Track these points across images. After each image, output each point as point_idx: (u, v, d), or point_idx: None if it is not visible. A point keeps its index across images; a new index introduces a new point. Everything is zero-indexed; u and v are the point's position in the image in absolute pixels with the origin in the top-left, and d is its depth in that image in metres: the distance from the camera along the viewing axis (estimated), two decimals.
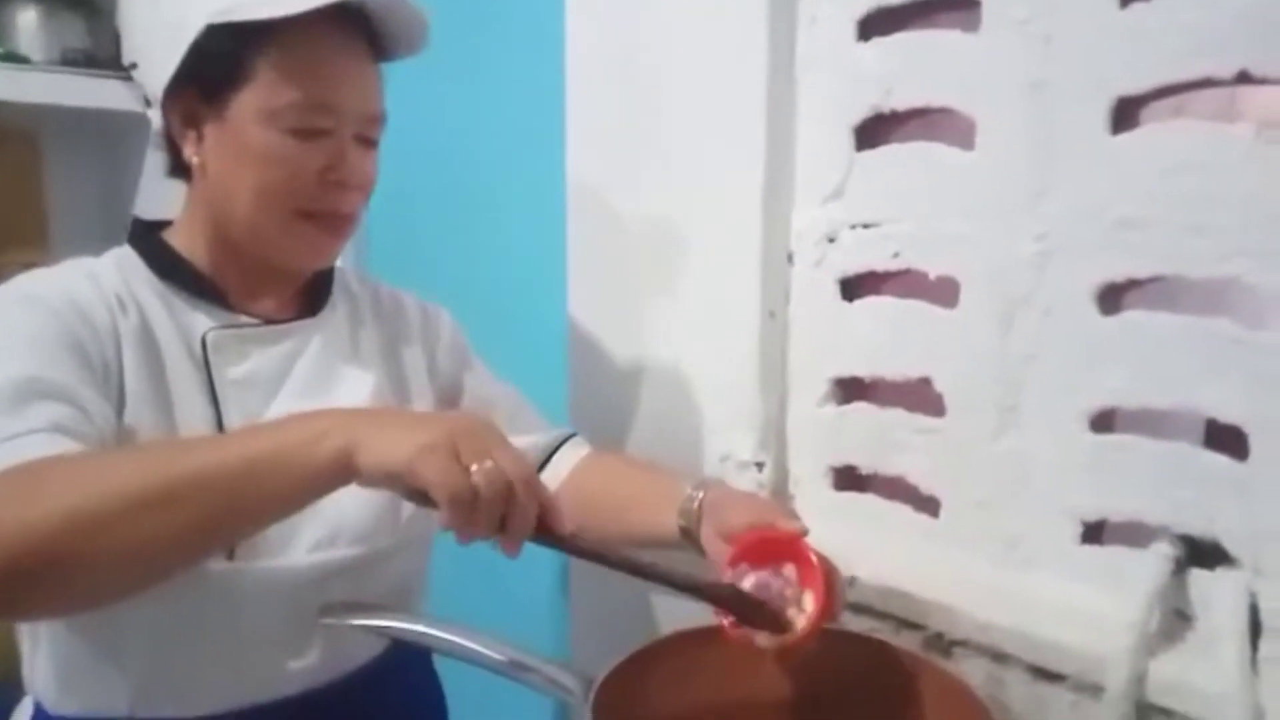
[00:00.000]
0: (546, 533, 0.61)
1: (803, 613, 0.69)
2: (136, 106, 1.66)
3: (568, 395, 1.08)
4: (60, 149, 1.86)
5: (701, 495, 0.76)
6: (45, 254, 1.81)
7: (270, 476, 0.57)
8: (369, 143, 0.76)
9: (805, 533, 0.70)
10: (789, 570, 0.70)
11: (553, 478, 0.85)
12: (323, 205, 0.74)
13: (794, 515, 0.73)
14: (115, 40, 1.78)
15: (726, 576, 0.71)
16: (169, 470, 0.57)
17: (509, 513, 0.57)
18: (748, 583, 0.70)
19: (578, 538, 0.64)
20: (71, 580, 0.56)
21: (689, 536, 0.76)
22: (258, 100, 0.70)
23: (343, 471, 0.57)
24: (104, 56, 1.65)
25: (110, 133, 1.86)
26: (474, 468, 0.55)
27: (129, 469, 0.57)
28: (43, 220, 1.86)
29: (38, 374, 0.63)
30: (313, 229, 0.74)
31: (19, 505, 0.54)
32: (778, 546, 0.70)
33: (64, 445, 0.60)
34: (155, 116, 0.74)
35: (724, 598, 0.70)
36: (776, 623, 0.69)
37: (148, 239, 0.77)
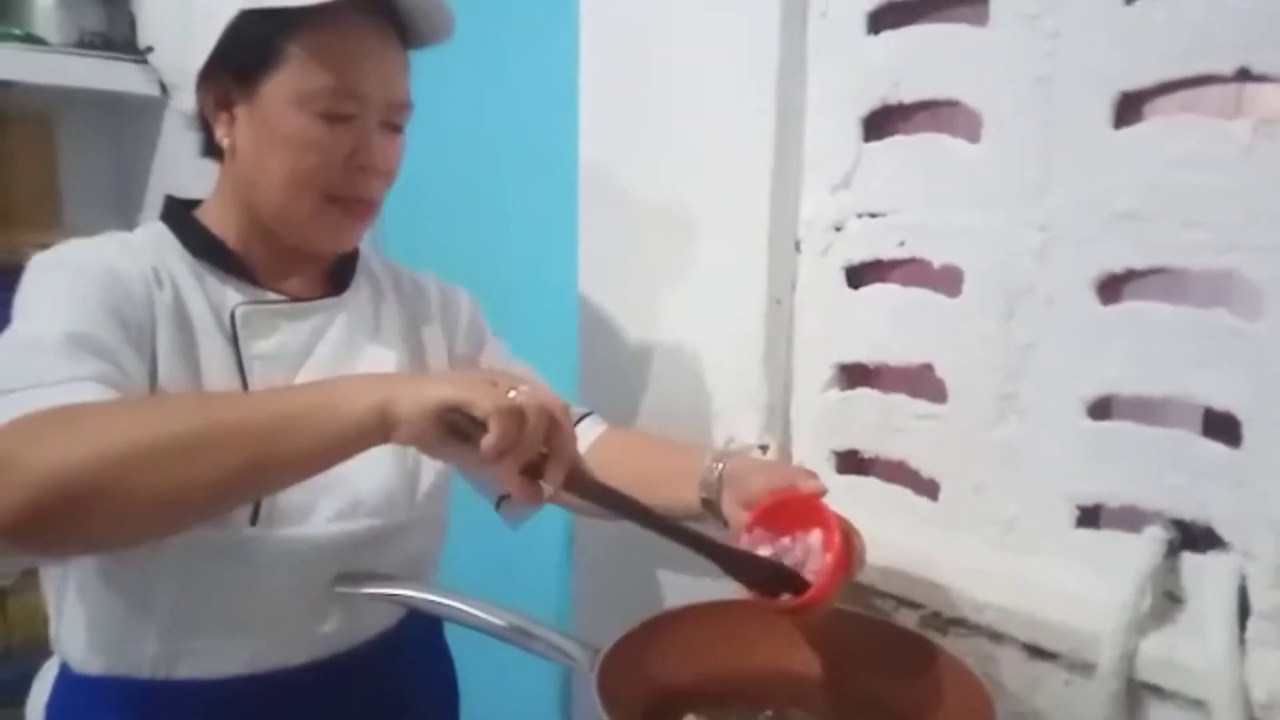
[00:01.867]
0: (579, 477, 0.62)
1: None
2: (151, 90, 1.69)
3: (578, 376, 1.10)
4: (75, 131, 1.88)
5: (721, 466, 0.78)
6: (59, 234, 1.82)
7: (306, 428, 0.59)
8: (395, 129, 0.78)
9: (824, 492, 0.72)
10: (812, 538, 0.71)
11: None
12: (348, 190, 0.76)
13: (812, 476, 0.75)
14: (131, 24, 1.80)
15: (742, 542, 0.72)
16: (206, 417, 0.59)
17: (553, 433, 0.59)
18: (764, 551, 0.72)
19: (602, 486, 0.66)
20: (105, 515, 0.58)
21: (710, 508, 0.78)
22: (289, 84, 0.72)
23: (379, 425, 0.59)
24: (120, 40, 1.67)
25: (124, 115, 1.88)
26: (512, 393, 0.58)
27: (167, 414, 0.60)
28: (57, 201, 1.88)
29: (82, 330, 0.66)
30: (338, 212, 0.77)
31: (63, 441, 0.56)
32: (797, 508, 0.72)
33: (108, 395, 0.62)
34: (184, 99, 0.77)
35: (747, 565, 0.71)
36: (794, 584, 0.70)
37: (181, 216, 0.79)
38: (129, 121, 1.88)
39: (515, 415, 0.57)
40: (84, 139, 1.90)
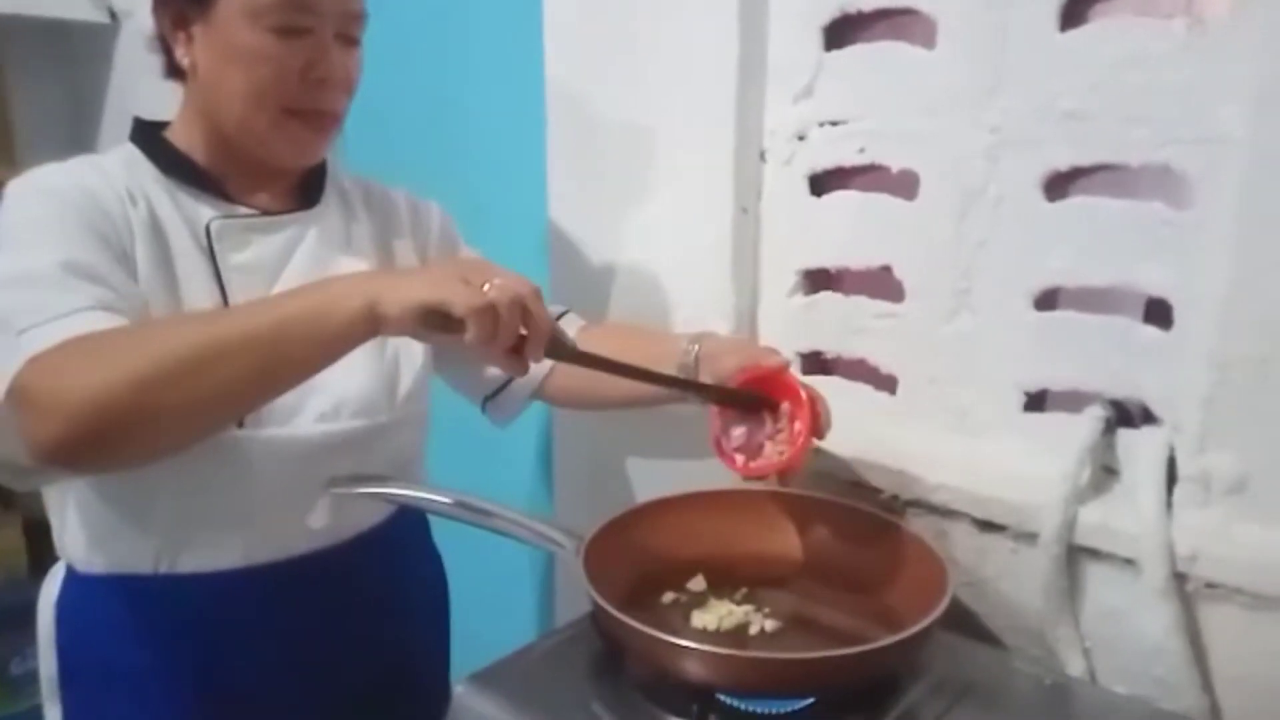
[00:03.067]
0: (559, 345, 0.68)
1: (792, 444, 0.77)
2: (100, 16, 1.65)
3: (549, 290, 1.13)
4: (23, 61, 1.84)
5: (697, 348, 0.83)
6: (12, 166, 1.80)
7: (304, 333, 0.63)
8: (351, 41, 0.79)
9: (788, 364, 0.78)
10: (782, 409, 0.79)
11: None
12: (307, 103, 0.77)
13: (776, 353, 0.81)
14: None
15: (716, 423, 0.79)
16: (215, 332, 0.63)
17: (526, 319, 0.63)
18: (739, 429, 0.79)
19: (580, 350, 0.72)
20: (140, 433, 0.63)
21: (686, 384, 0.83)
22: (241, 1, 0.73)
23: (369, 322, 0.63)
24: None
25: (74, 43, 1.83)
26: (485, 286, 0.62)
27: (180, 333, 0.64)
28: (9, 132, 1.84)
29: (74, 258, 0.68)
30: (298, 125, 0.78)
31: (89, 370, 0.61)
32: (767, 383, 0.79)
33: (112, 321, 0.66)
34: (141, 23, 0.77)
35: (724, 393, 0.79)
36: (773, 408, 0.78)
37: (150, 137, 0.80)
38: (79, 50, 1.84)
39: (489, 311, 0.62)
40: (33, 69, 1.86)
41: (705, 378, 0.82)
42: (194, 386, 0.62)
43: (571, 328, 0.93)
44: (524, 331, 0.65)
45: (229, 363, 0.62)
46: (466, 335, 0.62)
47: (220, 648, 0.79)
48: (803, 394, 0.77)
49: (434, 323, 0.63)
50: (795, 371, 0.87)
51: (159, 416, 0.62)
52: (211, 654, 0.79)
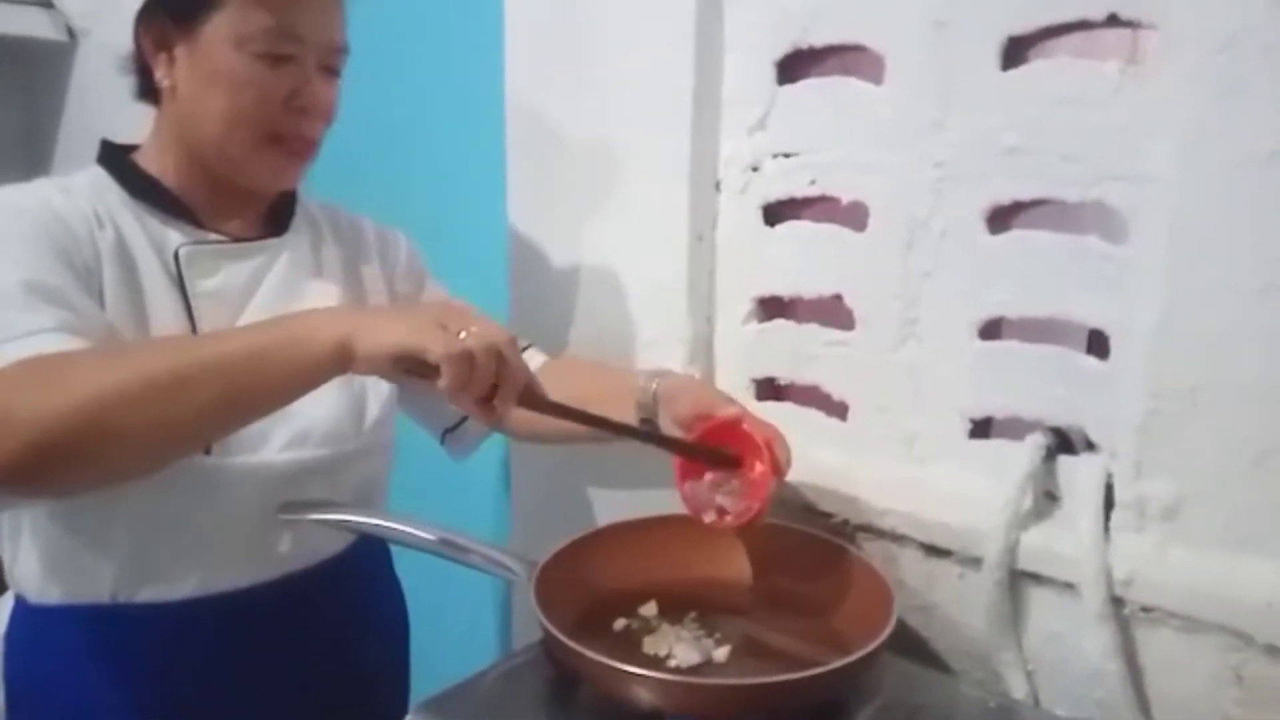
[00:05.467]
0: (531, 396, 0.68)
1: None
2: (59, 35, 1.63)
3: (509, 314, 1.14)
4: None
5: (656, 385, 0.84)
6: None
7: (276, 364, 0.63)
8: (332, 72, 0.80)
9: (742, 415, 0.79)
10: (734, 482, 0.80)
11: None
12: (287, 129, 0.78)
13: (729, 401, 0.82)
14: None
15: (678, 472, 0.81)
16: (181, 358, 0.62)
17: (501, 369, 0.63)
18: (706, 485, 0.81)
19: (553, 400, 0.72)
20: (102, 455, 0.62)
21: (650, 425, 0.85)
22: (229, 24, 0.73)
23: (341, 360, 0.63)
24: None
25: (30, 62, 1.81)
26: (463, 334, 0.62)
27: (145, 357, 0.63)
28: None
29: (36, 278, 0.67)
30: (277, 152, 0.79)
31: (49, 392, 0.59)
32: (725, 432, 0.80)
33: (75, 344, 0.65)
34: (101, 41, 0.77)
35: (688, 448, 0.80)
36: (734, 462, 0.79)
37: (118, 159, 0.80)
38: (36, 68, 1.81)
39: (465, 359, 0.61)
40: None
41: (663, 417, 0.84)
42: (160, 411, 0.61)
43: (534, 362, 0.93)
44: (496, 382, 0.65)
45: (197, 389, 0.62)
46: (440, 382, 0.62)
47: (176, 678, 0.78)
48: (759, 442, 0.77)
49: (408, 367, 0.63)
50: (751, 406, 0.89)
51: (124, 439, 0.61)
52: (166, 684, 0.77)
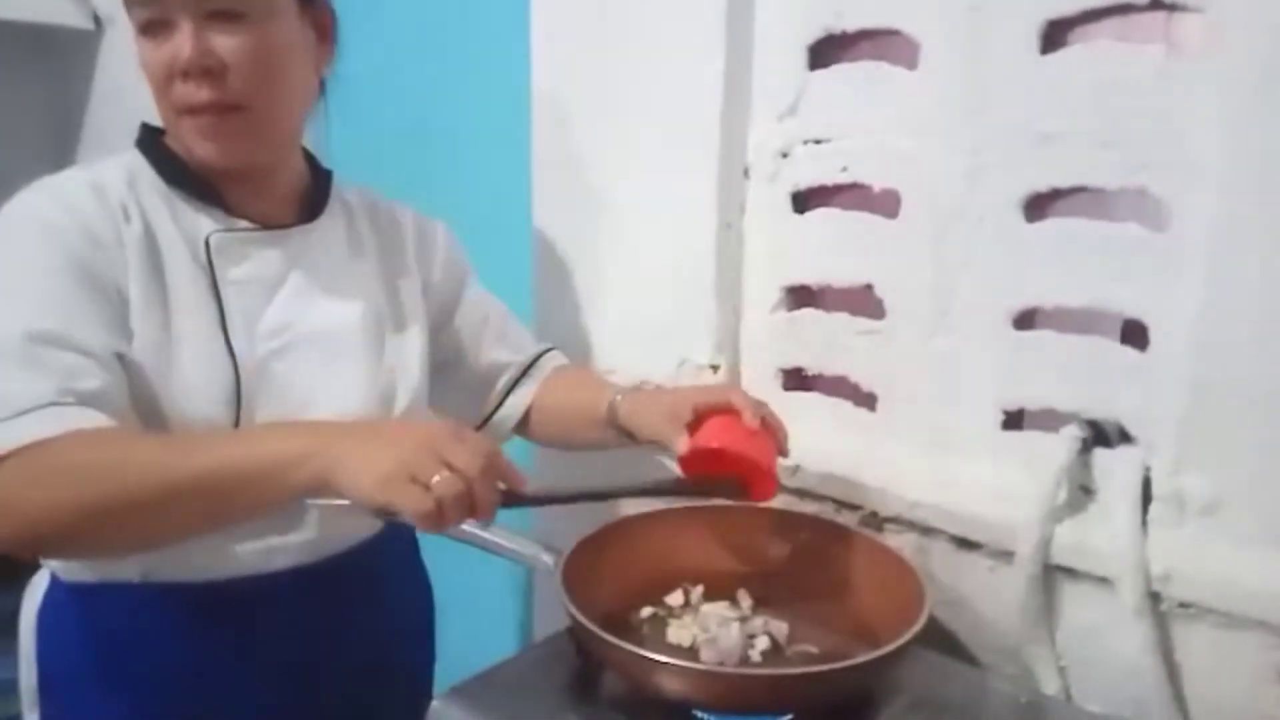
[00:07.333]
0: (512, 498, 0.68)
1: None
2: (84, 22, 1.64)
3: (533, 303, 1.13)
4: (4, 66, 1.82)
5: (619, 398, 0.86)
6: None
7: (255, 491, 0.66)
8: (231, 17, 0.72)
9: (724, 406, 0.79)
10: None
11: (523, 396, 0.95)
12: (180, 99, 0.73)
13: (710, 399, 0.80)
14: None
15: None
16: (166, 476, 0.65)
17: (472, 505, 0.64)
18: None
19: (537, 493, 0.71)
20: (83, 553, 0.73)
21: (627, 435, 0.86)
22: (128, 8, 0.73)
23: (321, 490, 0.65)
24: None
25: (57, 49, 1.82)
26: (433, 482, 0.62)
27: (132, 471, 0.65)
28: None
29: (41, 327, 0.66)
30: (190, 125, 0.74)
31: (35, 495, 0.64)
32: (722, 430, 0.78)
33: (76, 417, 0.65)
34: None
35: (686, 486, 0.80)
36: (740, 491, 0.78)
37: (155, 144, 0.79)
38: (62, 56, 1.82)
39: (433, 513, 0.62)
40: (14, 75, 1.84)
41: (635, 429, 0.84)
42: (142, 526, 0.66)
43: (541, 376, 0.96)
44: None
45: (178, 508, 0.65)
46: (415, 525, 0.64)
47: (202, 659, 0.78)
48: (756, 434, 0.76)
49: (379, 513, 0.65)
50: (778, 397, 0.89)
51: (102, 545, 0.69)
52: (193, 665, 0.78)
